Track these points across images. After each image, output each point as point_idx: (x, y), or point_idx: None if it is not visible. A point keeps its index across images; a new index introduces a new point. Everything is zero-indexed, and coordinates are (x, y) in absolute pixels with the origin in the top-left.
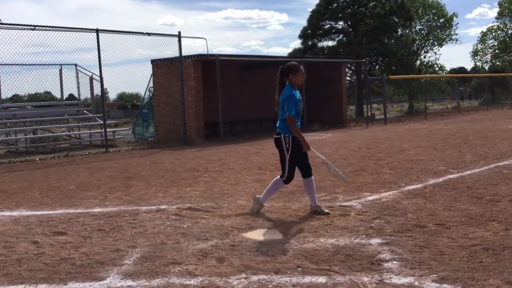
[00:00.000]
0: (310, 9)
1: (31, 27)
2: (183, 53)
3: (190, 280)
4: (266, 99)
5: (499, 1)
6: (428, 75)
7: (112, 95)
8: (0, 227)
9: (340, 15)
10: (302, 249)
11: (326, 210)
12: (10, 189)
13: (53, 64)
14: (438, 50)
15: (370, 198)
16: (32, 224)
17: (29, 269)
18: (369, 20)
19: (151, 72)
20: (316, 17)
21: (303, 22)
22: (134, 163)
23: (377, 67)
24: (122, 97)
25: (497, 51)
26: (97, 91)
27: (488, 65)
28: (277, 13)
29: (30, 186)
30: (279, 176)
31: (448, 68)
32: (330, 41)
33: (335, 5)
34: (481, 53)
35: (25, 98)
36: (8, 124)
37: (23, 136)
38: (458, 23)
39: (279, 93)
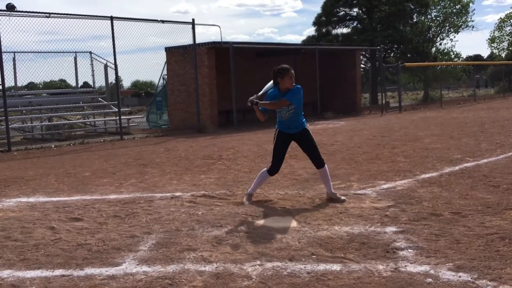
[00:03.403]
0: None
1: (46, 14)
2: (197, 41)
3: (205, 267)
4: None
5: None
6: (443, 62)
7: (126, 83)
8: (17, 213)
9: (354, 1)
10: (316, 236)
11: (342, 197)
12: (26, 176)
13: (68, 52)
14: (454, 37)
15: (385, 186)
16: (48, 210)
17: (46, 254)
18: (384, 6)
19: (165, 60)
20: (330, 4)
21: (317, 9)
22: (148, 150)
23: (392, 55)
24: (136, 85)
25: None
26: (112, 78)
27: (505, 53)
28: None
29: (46, 172)
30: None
31: (464, 55)
32: (345, 28)
33: None
34: (498, 40)
35: (40, 86)
36: (24, 112)
37: (39, 123)
38: (474, 10)
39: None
